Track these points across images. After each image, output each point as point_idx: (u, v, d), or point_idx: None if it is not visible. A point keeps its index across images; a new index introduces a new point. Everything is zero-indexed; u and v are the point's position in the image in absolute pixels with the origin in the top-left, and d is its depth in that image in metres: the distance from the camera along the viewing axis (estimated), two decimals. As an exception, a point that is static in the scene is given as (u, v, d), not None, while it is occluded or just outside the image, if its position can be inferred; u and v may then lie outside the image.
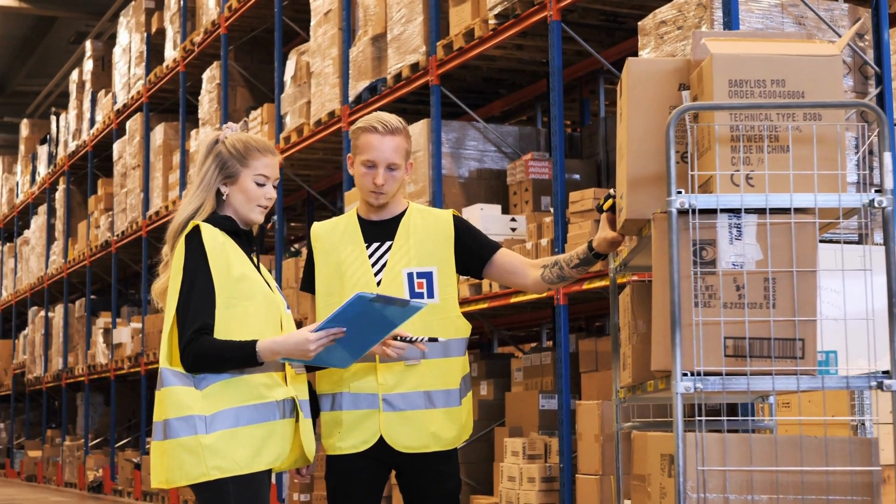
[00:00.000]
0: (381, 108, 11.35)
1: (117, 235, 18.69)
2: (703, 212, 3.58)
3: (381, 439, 4.27)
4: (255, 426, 3.84)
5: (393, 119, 4.37)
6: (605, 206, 4.16)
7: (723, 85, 3.57)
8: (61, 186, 22.34)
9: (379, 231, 4.42)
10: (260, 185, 4.01)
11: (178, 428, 3.79)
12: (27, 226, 25.25)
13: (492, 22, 9.58)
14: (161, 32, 17.54)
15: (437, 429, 4.28)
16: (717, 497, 3.43)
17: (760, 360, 3.52)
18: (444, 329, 4.29)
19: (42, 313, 23.41)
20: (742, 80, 3.60)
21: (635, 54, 10.24)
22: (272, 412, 3.87)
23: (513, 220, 9.98)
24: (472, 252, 4.42)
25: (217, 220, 3.99)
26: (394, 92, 10.98)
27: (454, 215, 4.49)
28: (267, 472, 3.92)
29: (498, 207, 10.19)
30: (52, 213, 23.16)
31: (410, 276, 4.33)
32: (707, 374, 3.52)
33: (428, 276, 4.35)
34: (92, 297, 20.90)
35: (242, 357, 3.81)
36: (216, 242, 3.91)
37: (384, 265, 4.36)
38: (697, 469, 3.44)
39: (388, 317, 3.80)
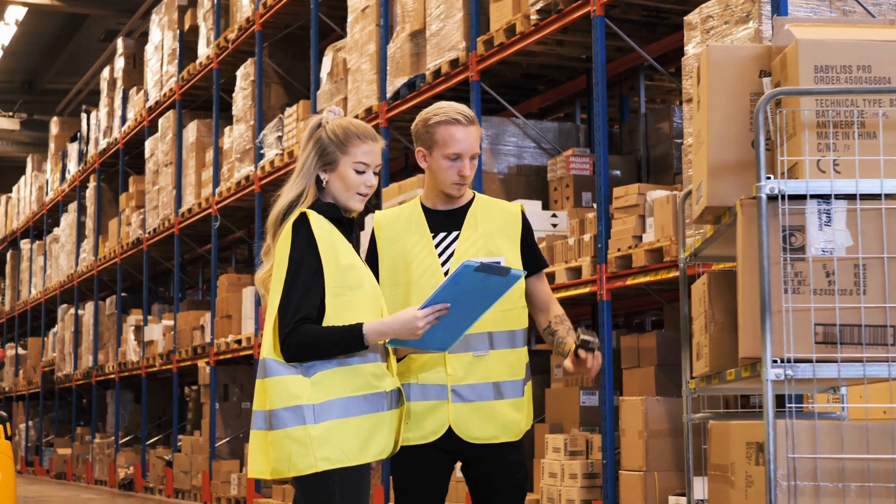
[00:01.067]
0: (419, 105, 11.35)
1: (149, 233, 18.72)
2: (791, 198, 3.55)
3: (450, 430, 4.25)
4: (364, 417, 3.78)
5: (467, 109, 4.31)
6: (575, 349, 4.07)
7: (808, 71, 3.54)
8: (92, 184, 22.38)
9: (445, 221, 4.37)
10: (359, 172, 3.92)
11: (286, 418, 3.73)
12: (57, 223, 25.31)
13: (533, 17, 9.56)
14: (194, 30, 17.56)
15: (505, 419, 4.26)
16: (808, 485, 3.40)
17: (850, 347, 3.49)
18: (511, 319, 4.27)
19: (72, 311, 23.46)
20: (828, 66, 3.57)
21: (678, 50, 10.22)
22: (381, 403, 3.82)
23: (553, 216, 9.96)
24: (525, 257, 4.37)
25: (321, 206, 3.92)
26: (432, 88, 10.97)
27: (522, 211, 4.45)
28: (368, 465, 3.86)
29: (538, 203, 10.18)
30: (82, 210, 23.20)
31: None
32: (797, 361, 3.49)
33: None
34: (122, 294, 20.93)
35: (349, 341, 3.75)
36: (323, 230, 3.84)
37: (451, 255, 4.32)
38: (788, 457, 3.41)
39: (488, 288, 3.76)
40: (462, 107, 4.31)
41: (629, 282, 8.59)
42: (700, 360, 4.20)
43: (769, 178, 3.54)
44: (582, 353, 4.04)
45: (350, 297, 3.83)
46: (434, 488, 4.31)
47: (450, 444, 4.25)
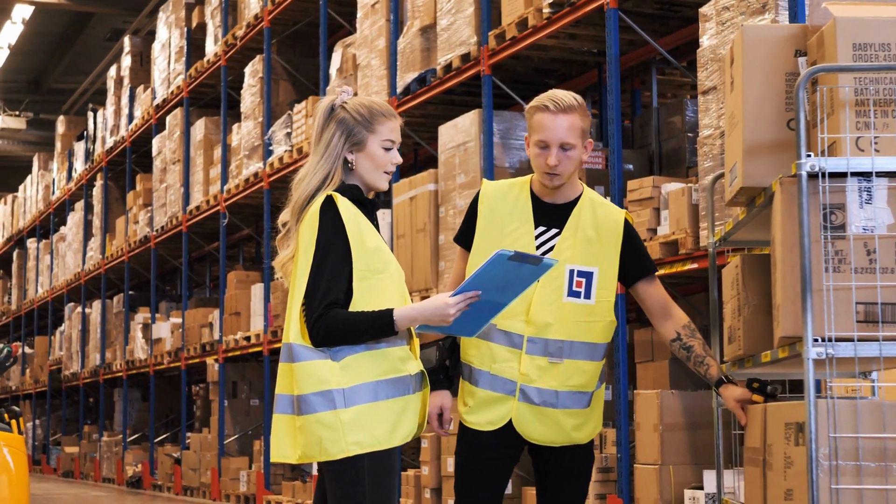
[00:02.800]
0: (429, 100, 11.34)
1: (157, 231, 18.72)
2: (832, 176, 3.53)
3: (510, 425, 4.23)
4: (392, 400, 3.77)
5: (567, 96, 4.20)
6: (755, 393, 4.04)
7: (846, 48, 3.52)
8: (99, 182, 22.37)
9: (550, 215, 4.29)
10: (387, 150, 3.91)
11: (316, 403, 3.72)
12: (63, 222, 25.30)
13: (546, 11, 9.53)
14: (201, 27, 17.54)
15: (566, 427, 4.24)
16: (850, 465, 3.38)
17: (892, 326, 3.47)
18: (595, 332, 4.23)
19: (79, 309, 23.46)
20: (866, 44, 3.55)
21: (690, 44, 10.21)
22: (407, 386, 3.81)
23: (567, 209, 9.92)
24: (628, 265, 4.30)
25: (345, 189, 3.89)
26: (443, 83, 10.95)
27: (626, 219, 4.35)
28: (396, 449, 3.85)
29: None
30: (89, 209, 23.19)
31: (572, 272, 4.21)
32: (837, 340, 3.47)
33: (588, 276, 4.22)
34: (130, 292, 20.92)
35: (379, 327, 3.73)
36: (350, 213, 3.82)
37: (548, 253, 4.27)
38: (829, 436, 3.39)
39: (520, 276, 3.73)
40: (563, 94, 4.22)
41: (645, 274, 8.55)
42: (733, 343, 4.18)
43: (809, 155, 3.52)
44: (757, 397, 4.00)
45: (376, 281, 3.81)
46: (495, 474, 4.29)
47: (512, 437, 4.24)
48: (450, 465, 10.04)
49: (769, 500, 3.81)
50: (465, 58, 10.53)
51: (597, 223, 4.27)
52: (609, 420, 9.39)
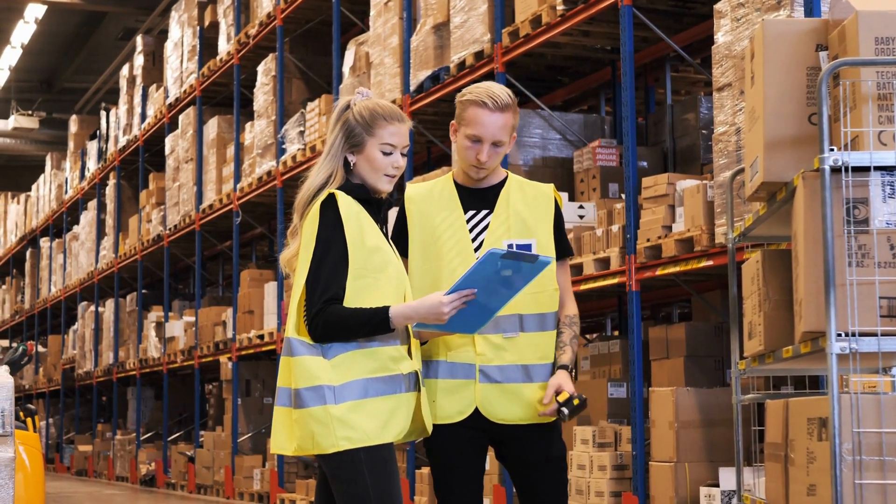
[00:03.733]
0: (443, 98, 11.33)
1: (170, 229, 18.73)
2: (854, 170, 3.52)
3: (477, 410, 4.22)
4: (382, 398, 3.82)
5: (503, 94, 4.23)
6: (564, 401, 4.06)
7: (869, 42, 3.51)
8: (111, 181, 22.39)
9: (477, 199, 4.32)
10: (386, 154, 3.93)
11: (308, 398, 3.78)
12: (76, 221, 25.33)
13: (560, 8, 9.52)
14: (214, 26, 17.56)
15: (533, 401, 4.21)
16: (874, 460, 3.37)
17: (916, 321, 3.45)
18: (542, 302, 4.23)
19: (92, 308, 23.49)
20: (889, 38, 3.54)
21: (704, 41, 10.20)
22: (399, 385, 3.86)
23: (580, 207, 9.92)
24: (555, 241, 4.32)
25: (350, 187, 3.94)
26: (457, 80, 10.94)
27: (554, 194, 4.39)
28: (392, 445, 3.89)
29: (565, 195, 10.14)
30: (101, 208, 23.21)
31: (510, 247, 4.25)
32: (861, 335, 3.46)
33: (527, 248, 4.25)
34: (143, 291, 20.95)
35: (375, 324, 3.79)
36: (351, 211, 3.86)
37: (483, 234, 4.29)
38: (853, 431, 3.38)
39: (516, 274, 3.75)
40: (500, 91, 4.24)
41: (659, 272, 8.55)
42: (753, 338, 4.16)
43: (832, 149, 3.51)
44: (563, 410, 4.03)
45: (373, 280, 3.86)
46: (469, 467, 4.27)
47: (479, 423, 4.22)
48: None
49: (791, 496, 3.79)
50: (479, 55, 10.52)
51: (526, 199, 4.31)
52: (624, 417, 9.39)
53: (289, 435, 3.86)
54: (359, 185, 3.96)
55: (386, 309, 3.80)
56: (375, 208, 3.99)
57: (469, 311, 3.82)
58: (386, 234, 4.02)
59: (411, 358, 3.93)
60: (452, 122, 4.33)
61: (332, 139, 3.98)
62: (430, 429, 4.01)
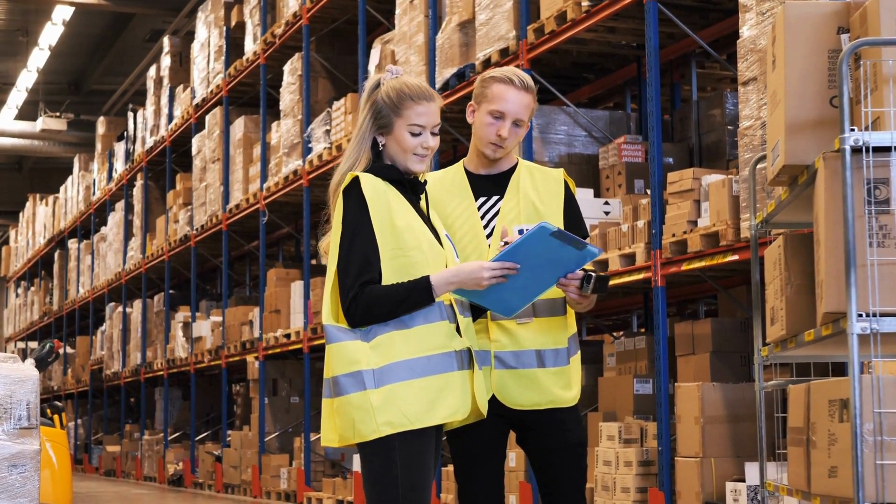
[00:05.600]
0: (468, 96, 11.32)
1: (196, 230, 18.78)
2: (875, 150, 3.51)
3: (494, 397, 4.22)
4: (429, 378, 3.72)
5: (527, 77, 4.28)
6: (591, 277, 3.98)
7: (890, 23, 3.50)
8: (139, 182, 22.48)
9: (488, 185, 4.34)
10: (415, 134, 3.88)
11: (347, 384, 3.71)
12: (104, 223, 25.43)
13: (585, 4, 9.52)
14: (240, 26, 17.61)
15: (548, 386, 4.21)
16: (895, 440, 3.35)
17: (937, 301, 3.44)
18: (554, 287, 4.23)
19: (119, 309, 23.57)
20: (910, 19, 3.54)
21: (729, 36, 10.19)
22: (449, 363, 3.76)
23: (606, 203, 9.92)
24: (567, 224, 4.30)
25: (379, 169, 3.89)
26: (482, 78, 10.92)
27: (565, 178, 4.40)
28: (438, 429, 3.83)
29: (590, 191, 10.15)
30: (129, 209, 23.30)
31: (521, 232, 4.25)
32: (882, 315, 3.45)
33: None
34: (171, 291, 21.02)
35: (417, 295, 3.72)
36: (377, 192, 3.81)
37: (494, 220, 4.30)
38: (874, 412, 3.37)
39: (561, 259, 3.73)
40: (524, 74, 4.28)
41: (684, 267, 8.53)
42: (775, 324, 4.15)
43: (853, 130, 3.50)
44: (585, 282, 3.94)
45: (407, 259, 3.79)
46: (489, 453, 4.27)
47: (498, 409, 4.21)
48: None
49: (813, 479, 3.78)
50: (504, 52, 10.53)
51: (536, 185, 4.32)
52: (650, 413, 9.37)
53: (332, 425, 3.80)
54: (389, 165, 3.92)
55: (426, 278, 3.74)
56: (410, 188, 3.94)
57: (509, 288, 3.78)
58: (426, 213, 3.96)
59: (461, 336, 3.85)
60: (470, 102, 4.34)
61: (361, 120, 3.93)
62: (484, 410, 3.90)
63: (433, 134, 3.92)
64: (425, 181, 4.04)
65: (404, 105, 3.88)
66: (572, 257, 3.75)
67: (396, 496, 3.71)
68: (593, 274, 3.92)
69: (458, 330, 3.86)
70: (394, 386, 3.71)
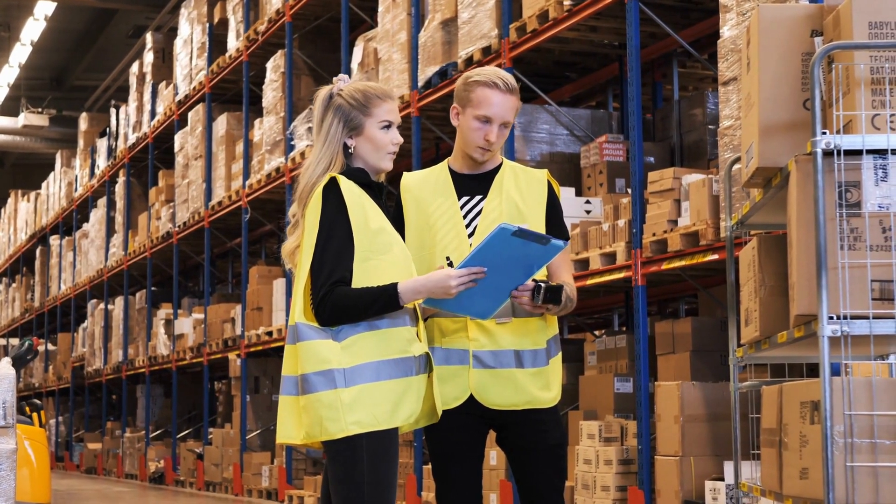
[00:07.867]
0: (450, 94, 11.31)
1: (179, 226, 18.76)
2: (847, 153, 3.53)
3: (472, 396, 4.23)
4: (394, 381, 3.80)
5: (510, 77, 4.29)
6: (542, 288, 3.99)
7: (863, 27, 3.52)
8: (121, 179, 22.42)
9: (472, 185, 4.36)
10: (385, 129, 3.99)
11: (317, 383, 3.77)
12: (86, 219, 25.36)
13: (567, 3, 9.53)
14: (223, 23, 17.58)
15: (526, 387, 4.22)
16: (865, 442, 3.37)
17: (907, 304, 3.46)
18: None
19: (101, 306, 23.52)
20: (882, 23, 3.55)
21: (710, 36, 10.20)
22: (410, 367, 3.84)
23: (587, 202, 9.93)
24: (549, 224, 4.33)
25: (351, 172, 3.96)
26: (464, 76, 10.92)
27: (548, 179, 4.41)
28: (397, 430, 3.87)
29: (572, 190, 10.16)
30: (111, 205, 23.24)
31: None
32: (853, 318, 3.47)
33: None
34: (152, 288, 20.97)
35: (384, 301, 3.79)
36: (353, 194, 3.88)
37: (477, 219, 4.31)
38: (844, 414, 3.38)
39: (527, 256, 3.74)
40: (506, 74, 4.30)
41: (664, 266, 8.55)
42: (749, 325, 4.17)
43: (825, 133, 3.52)
44: (535, 292, 3.97)
45: (377, 262, 3.86)
46: (467, 452, 4.28)
47: (475, 409, 4.23)
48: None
49: (785, 480, 3.80)
50: (486, 51, 10.53)
51: (520, 185, 4.34)
52: (630, 412, 9.39)
53: (297, 423, 3.84)
54: (359, 169, 4.00)
55: (394, 285, 3.80)
56: (377, 192, 4.01)
57: (480, 292, 3.81)
58: (389, 218, 4.02)
59: (420, 340, 3.92)
60: (454, 104, 4.35)
61: (327, 127, 4.00)
62: (440, 412, 3.99)
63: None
64: (388, 190, 4.08)
65: (372, 104, 3.99)
66: (538, 253, 3.78)
67: (362, 494, 3.77)
68: (542, 285, 3.96)
69: (417, 335, 3.93)
70: (364, 386, 3.77)
